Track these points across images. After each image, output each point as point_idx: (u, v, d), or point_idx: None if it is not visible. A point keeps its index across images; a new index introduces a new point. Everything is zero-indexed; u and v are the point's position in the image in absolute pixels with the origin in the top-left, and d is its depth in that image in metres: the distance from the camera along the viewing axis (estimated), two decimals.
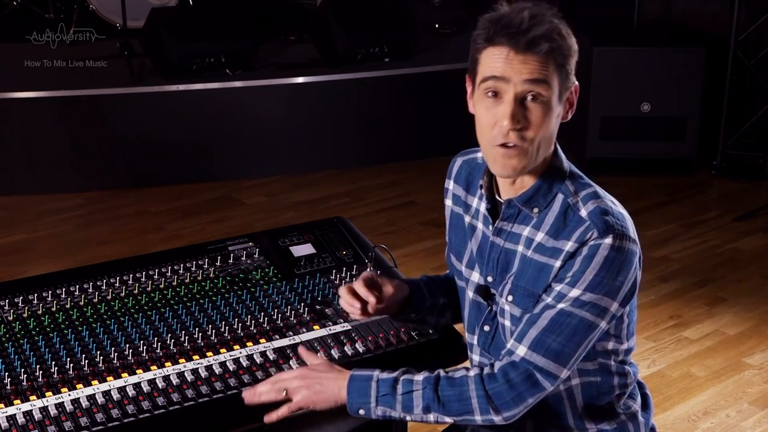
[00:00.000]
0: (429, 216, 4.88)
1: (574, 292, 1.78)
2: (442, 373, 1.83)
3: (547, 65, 1.75)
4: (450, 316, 2.13)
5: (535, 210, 1.86)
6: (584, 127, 5.37)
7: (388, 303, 2.02)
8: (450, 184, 2.07)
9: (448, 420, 1.83)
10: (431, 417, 1.82)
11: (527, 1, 1.79)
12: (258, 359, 2.00)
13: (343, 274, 2.30)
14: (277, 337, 2.07)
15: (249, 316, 2.12)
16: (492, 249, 1.93)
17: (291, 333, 2.09)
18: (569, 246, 1.80)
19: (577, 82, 1.84)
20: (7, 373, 1.91)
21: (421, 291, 2.10)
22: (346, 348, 2.05)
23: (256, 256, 2.36)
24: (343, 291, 2.02)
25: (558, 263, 1.81)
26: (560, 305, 1.79)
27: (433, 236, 4.63)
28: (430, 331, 2.12)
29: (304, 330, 2.10)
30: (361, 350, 2.05)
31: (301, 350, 1.99)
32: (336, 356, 2.03)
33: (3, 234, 4.71)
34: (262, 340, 2.06)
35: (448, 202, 2.08)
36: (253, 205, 5.11)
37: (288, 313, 2.15)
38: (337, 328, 2.11)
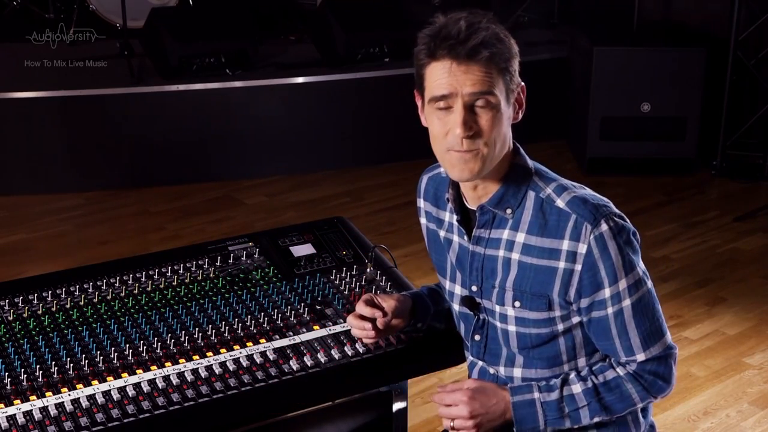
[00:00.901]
0: None
1: (622, 284, 1.84)
2: (593, 380, 1.90)
3: (490, 71, 1.78)
4: None
5: (509, 211, 1.88)
6: (584, 127, 5.36)
7: (394, 315, 2.03)
8: (421, 203, 2.10)
9: (614, 416, 1.94)
10: (596, 419, 1.92)
11: (462, 10, 1.82)
12: (258, 359, 2.00)
13: (343, 274, 2.30)
14: (277, 337, 2.07)
15: (249, 316, 2.12)
16: (473, 258, 1.94)
17: (291, 333, 2.09)
18: (566, 245, 1.82)
19: (523, 83, 1.87)
20: (7, 373, 1.91)
21: (423, 300, 2.11)
22: (346, 348, 2.05)
23: (256, 256, 2.36)
24: (350, 319, 2.04)
25: (561, 264, 1.83)
26: (625, 302, 1.85)
27: None
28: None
29: (304, 330, 2.10)
30: (361, 350, 2.05)
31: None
32: (336, 356, 2.03)
33: (3, 234, 4.71)
34: (262, 340, 2.06)
35: (423, 220, 2.10)
36: (253, 205, 5.11)
37: (288, 313, 2.15)
38: (337, 328, 2.11)
